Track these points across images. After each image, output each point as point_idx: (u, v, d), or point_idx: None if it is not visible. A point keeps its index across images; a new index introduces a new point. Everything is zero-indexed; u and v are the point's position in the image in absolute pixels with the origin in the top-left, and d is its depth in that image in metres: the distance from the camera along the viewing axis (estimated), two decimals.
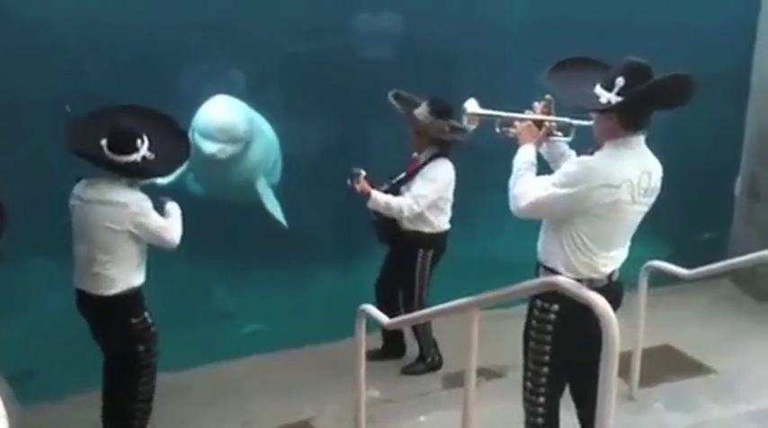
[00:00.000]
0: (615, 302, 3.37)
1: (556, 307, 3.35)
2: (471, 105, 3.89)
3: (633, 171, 3.20)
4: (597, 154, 3.27)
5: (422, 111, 4.99)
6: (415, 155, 5.17)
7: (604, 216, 3.22)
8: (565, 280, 3.04)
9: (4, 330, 4.90)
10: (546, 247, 3.42)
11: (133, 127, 4.03)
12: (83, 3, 5.91)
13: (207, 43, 6.47)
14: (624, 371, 4.68)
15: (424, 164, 5.07)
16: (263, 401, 5.14)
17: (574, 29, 6.73)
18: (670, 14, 7.12)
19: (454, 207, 5.23)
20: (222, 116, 6.10)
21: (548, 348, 3.41)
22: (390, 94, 5.06)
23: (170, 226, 4.23)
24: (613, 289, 3.26)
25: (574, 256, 3.30)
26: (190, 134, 5.92)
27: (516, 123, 3.61)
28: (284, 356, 5.78)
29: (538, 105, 3.61)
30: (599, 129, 3.30)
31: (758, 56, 6.56)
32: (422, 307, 5.03)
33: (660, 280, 4.97)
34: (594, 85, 3.21)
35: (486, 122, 3.77)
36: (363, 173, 4.89)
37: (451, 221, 5.25)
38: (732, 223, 6.90)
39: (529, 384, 3.52)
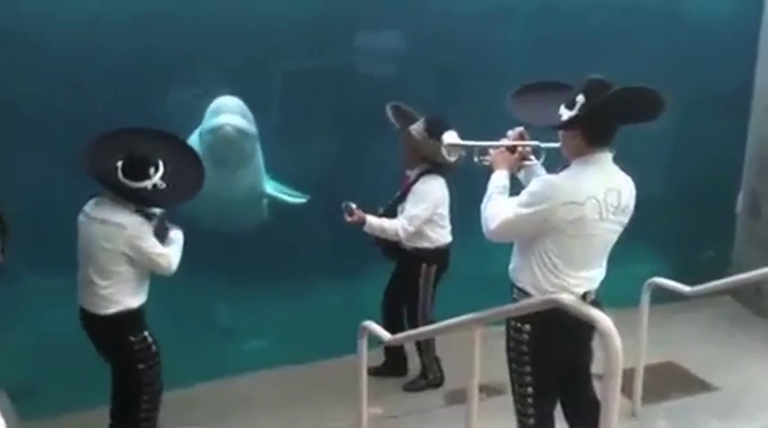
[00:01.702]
0: (590, 326, 3.37)
1: (527, 327, 3.37)
2: (449, 137, 3.99)
3: (599, 188, 3.20)
4: (563, 172, 3.30)
5: (417, 128, 4.95)
6: (408, 172, 5.15)
7: (571, 234, 3.21)
8: (567, 298, 3.04)
9: (6, 346, 4.92)
10: (517, 268, 3.44)
11: (150, 153, 4.04)
12: (80, 17, 5.94)
13: (206, 59, 6.51)
14: (627, 388, 4.67)
15: (415, 181, 5.05)
16: (265, 417, 5.12)
17: (574, 46, 6.76)
18: (671, 31, 7.15)
19: (453, 223, 5.21)
20: (235, 98, 6.24)
21: (528, 368, 3.43)
22: (389, 107, 5.06)
23: (168, 253, 4.20)
24: None
25: (543, 276, 3.30)
26: (197, 141, 5.98)
27: (491, 151, 3.66)
28: (286, 372, 5.76)
29: (511, 133, 3.63)
30: (565, 148, 3.33)
31: (760, 72, 6.58)
32: (426, 322, 5.00)
33: (663, 297, 4.96)
34: (559, 106, 3.25)
35: (467, 152, 3.83)
36: (353, 205, 4.92)
37: (452, 235, 5.23)
38: (734, 240, 6.90)
39: (518, 405, 3.53)
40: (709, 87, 7.12)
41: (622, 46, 6.89)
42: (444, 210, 5.13)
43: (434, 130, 4.85)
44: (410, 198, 5.03)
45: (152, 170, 4.02)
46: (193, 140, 5.99)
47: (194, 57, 6.52)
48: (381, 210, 5.12)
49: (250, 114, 6.30)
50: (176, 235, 4.34)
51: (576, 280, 3.29)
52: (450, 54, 6.92)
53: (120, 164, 4.01)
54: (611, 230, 3.31)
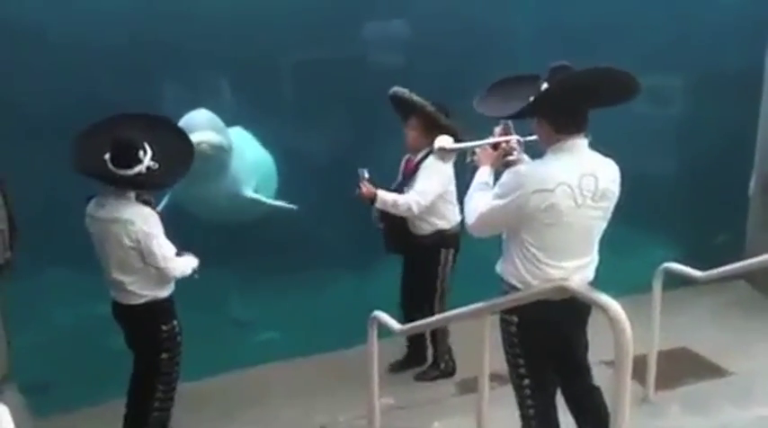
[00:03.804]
0: (579, 316, 3.36)
1: (515, 318, 3.37)
2: (440, 141, 4.10)
3: (571, 174, 3.17)
4: (535, 161, 3.31)
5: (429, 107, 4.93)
6: (408, 156, 5.13)
7: (547, 222, 3.18)
8: (576, 284, 3.02)
9: (20, 342, 4.95)
10: (502, 263, 3.43)
11: (134, 138, 3.98)
12: (82, 12, 5.95)
13: (212, 51, 6.49)
14: (640, 374, 4.64)
15: (420, 161, 5.00)
16: (278, 409, 5.14)
17: (583, 33, 6.71)
18: (680, 13, 7.07)
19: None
20: (203, 111, 6.19)
21: (521, 361, 3.42)
22: (403, 91, 4.95)
23: (173, 258, 4.20)
24: (577, 303, 3.14)
25: (524, 268, 3.28)
26: None
27: (477, 150, 3.68)
28: (299, 364, 5.77)
29: (497, 130, 3.62)
30: (539, 137, 3.33)
31: None
32: (443, 310, 4.96)
33: (677, 282, 4.93)
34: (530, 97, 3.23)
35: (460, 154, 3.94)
36: (367, 175, 4.87)
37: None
38: (747, 224, 6.84)
39: (518, 398, 3.53)
40: (720, 69, 7.06)
41: (630, 29, 6.83)
42: (453, 188, 5.04)
43: (442, 108, 4.91)
44: (420, 174, 4.97)
45: (141, 153, 3.96)
46: None
47: (201, 52, 6.50)
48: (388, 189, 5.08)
49: (221, 124, 6.26)
50: (189, 259, 4.33)
51: (558, 270, 3.23)
52: (458, 41, 6.88)
53: (107, 155, 3.96)
54: (591, 217, 3.25)
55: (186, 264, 4.29)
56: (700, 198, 7.23)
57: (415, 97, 4.94)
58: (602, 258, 3.47)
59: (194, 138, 5.91)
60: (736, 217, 6.91)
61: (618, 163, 3.41)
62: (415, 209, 4.92)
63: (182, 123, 5.94)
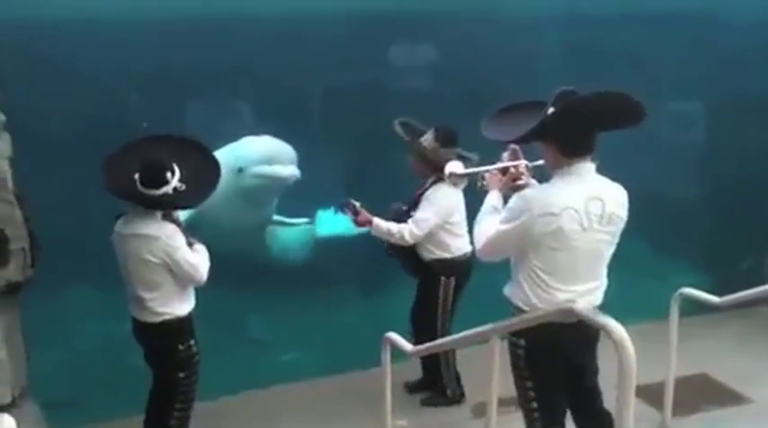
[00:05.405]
0: (586, 340, 3.35)
1: (523, 341, 3.37)
2: (451, 166, 4.16)
3: (577, 198, 3.18)
4: (541, 185, 3.33)
5: (428, 138, 4.98)
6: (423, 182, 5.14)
7: (554, 246, 3.19)
8: (582, 307, 3.02)
9: (42, 358, 5.04)
10: (511, 285, 3.44)
11: (162, 159, 4.08)
12: (115, 40, 6.07)
13: (237, 75, 6.58)
14: (658, 400, 4.60)
15: (428, 189, 5.03)
16: None
17: (607, 58, 6.71)
18: (705, 37, 7.05)
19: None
20: (286, 145, 6.36)
21: (529, 384, 3.42)
22: (396, 122, 5.04)
23: (199, 262, 4.27)
24: (584, 327, 3.11)
25: (532, 292, 3.29)
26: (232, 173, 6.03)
27: (486, 175, 3.72)
28: (315, 384, 5.77)
29: (506, 155, 3.67)
30: (546, 161, 3.35)
31: None
32: (444, 335, 4.95)
33: (698, 308, 4.89)
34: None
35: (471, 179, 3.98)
36: (357, 203, 4.93)
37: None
38: None
39: (525, 421, 3.51)
40: (744, 93, 7.02)
41: (653, 54, 6.81)
42: (457, 218, 5.05)
43: (445, 139, 4.93)
44: (421, 204, 5.00)
45: (169, 175, 4.06)
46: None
47: (228, 74, 6.60)
48: (394, 215, 5.10)
49: None
50: (201, 248, 4.40)
51: (566, 294, 3.24)
52: (480, 66, 6.90)
53: (137, 175, 4.05)
54: (598, 240, 3.26)
55: (205, 258, 4.34)
56: (726, 224, 7.16)
57: (400, 132, 5.01)
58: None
59: (287, 170, 6.24)
60: (763, 243, 6.83)
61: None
62: (408, 237, 4.96)
63: (262, 150, 6.22)
